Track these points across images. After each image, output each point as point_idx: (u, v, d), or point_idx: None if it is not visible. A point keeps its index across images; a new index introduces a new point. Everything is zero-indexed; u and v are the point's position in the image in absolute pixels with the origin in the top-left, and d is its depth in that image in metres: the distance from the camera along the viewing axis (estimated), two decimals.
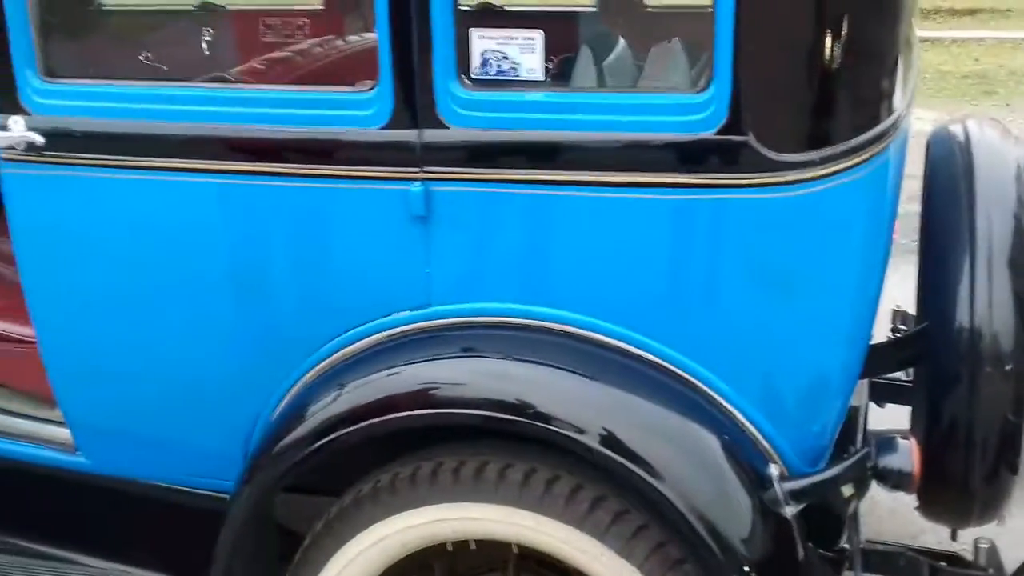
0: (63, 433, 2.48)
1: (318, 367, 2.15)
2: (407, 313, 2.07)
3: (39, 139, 2.11)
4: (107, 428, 2.39)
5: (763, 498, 1.93)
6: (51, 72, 2.12)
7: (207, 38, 3.47)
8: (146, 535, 2.55)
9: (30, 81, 2.11)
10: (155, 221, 2.14)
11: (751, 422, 1.99)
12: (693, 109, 1.81)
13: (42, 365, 2.38)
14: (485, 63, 1.92)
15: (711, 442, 1.94)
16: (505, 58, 1.91)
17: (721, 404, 1.98)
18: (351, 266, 2.07)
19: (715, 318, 1.95)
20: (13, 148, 2.14)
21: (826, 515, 2.07)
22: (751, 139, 1.78)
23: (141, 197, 2.12)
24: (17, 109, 2.13)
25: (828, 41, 1.77)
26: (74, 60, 2.26)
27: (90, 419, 2.40)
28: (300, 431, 2.09)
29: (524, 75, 1.90)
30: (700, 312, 1.96)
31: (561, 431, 1.91)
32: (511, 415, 1.94)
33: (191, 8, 3.65)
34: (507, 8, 3.43)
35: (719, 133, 1.80)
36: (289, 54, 2.64)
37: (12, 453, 2.56)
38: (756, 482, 1.93)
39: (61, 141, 2.12)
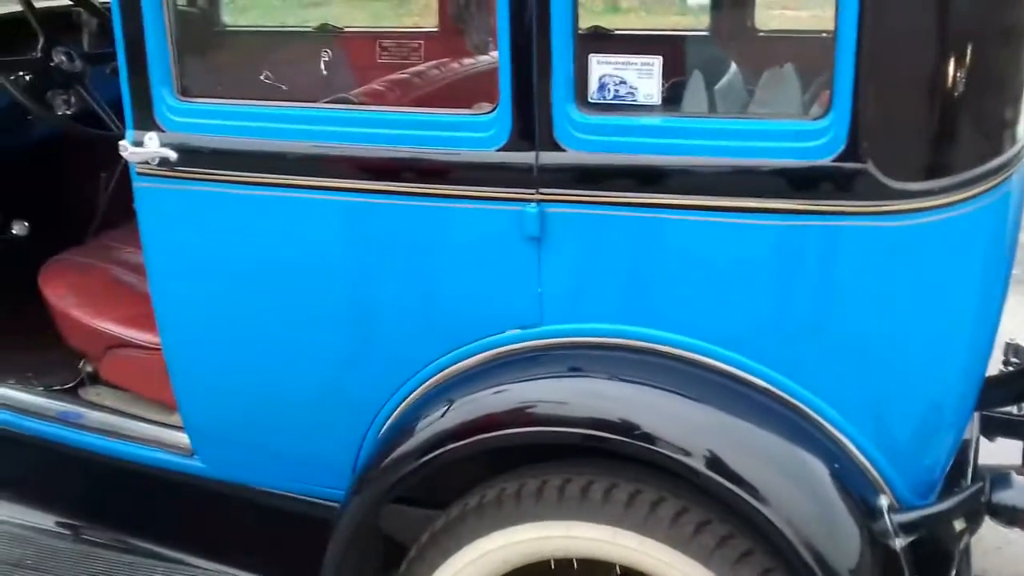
0: (182, 438, 2.59)
1: (428, 383, 2.21)
2: (517, 331, 2.11)
3: (172, 155, 2.21)
4: (223, 434, 2.48)
5: (872, 529, 1.90)
6: (185, 91, 2.23)
7: (325, 58, 3.58)
8: (256, 540, 2.64)
9: (165, 99, 2.21)
10: (278, 236, 2.22)
11: (862, 452, 1.96)
12: (810, 136, 1.81)
13: (166, 372, 2.49)
14: (602, 87, 1.95)
15: (820, 469, 1.93)
16: (623, 83, 1.94)
17: (831, 432, 1.96)
18: (464, 284, 2.12)
19: (826, 345, 1.94)
20: (147, 163, 2.25)
21: (935, 549, 2.03)
22: (870, 166, 1.77)
23: (266, 213, 2.21)
24: (152, 126, 2.24)
25: (951, 68, 1.75)
26: (206, 79, 2.36)
27: (208, 425, 2.50)
28: (409, 445, 2.14)
29: (641, 100, 1.92)
30: (811, 339, 1.95)
31: (667, 452, 1.91)
32: (616, 434, 1.96)
33: (311, 30, 3.78)
34: (619, 32, 3.46)
35: (836, 160, 1.79)
36: (407, 76, 2.71)
37: (133, 455, 2.67)
38: (865, 512, 1.91)
39: (192, 157, 2.22)
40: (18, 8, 3.12)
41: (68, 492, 2.95)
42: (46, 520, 2.92)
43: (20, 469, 3.01)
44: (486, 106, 2.04)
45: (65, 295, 2.79)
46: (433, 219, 2.09)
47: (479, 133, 2.00)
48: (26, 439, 2.87)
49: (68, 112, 3.14)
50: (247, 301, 2.29)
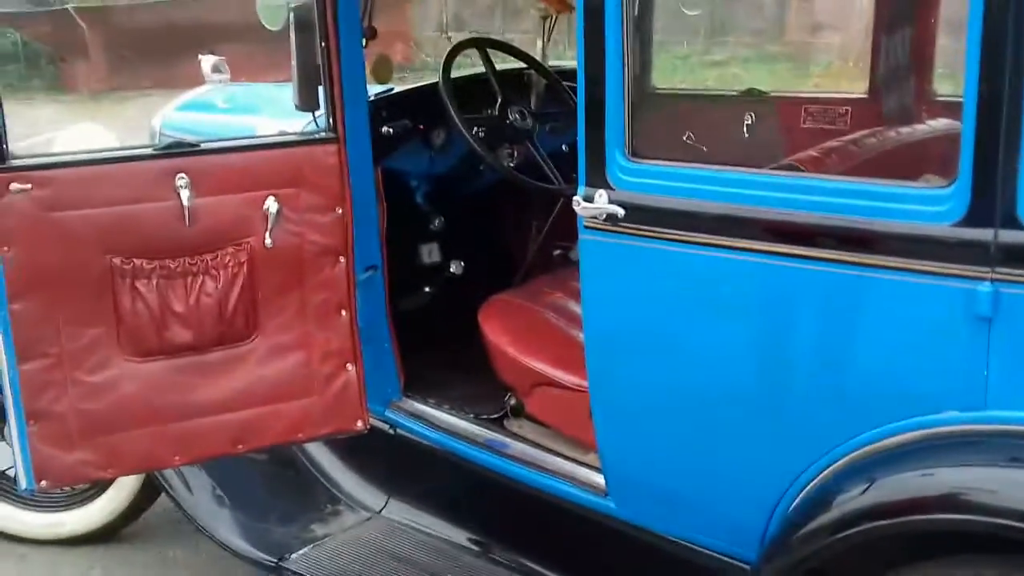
0: (596, 477, 2.73)
1: (850, 456, 2.17)
2: (955, 414, 2.03)
3: (620, 211, 2.36)
4: (638, 479, 2.59)
5: None
6: (636, 152, 2.37)
7: (748, 122, 3.64)
8: None
9: (617, 160, 2.37)
10: (714, 296, 2.30)
11: None
12: None
13: (588, 413, 2.64)
14: None
15: None
16: None
17: None
18: (900, 360, 2.07)
19: None
20: (595, 218, 2.41)
21: None
22: None
23: (704, 272, 2.30)
24: (603, 184, 2.40)
25: None
26: (651, 141, 2.50)
27: (624, 468, 2.62)
28: (825, 518, 2.12)
29: None
30: None
31: None
32: None
33: (736, 94, 3.87)
34: None
35: None
36: (843, 143, 2.70)
37: (549, 487, 2.85)
38: None
39: (637, 214, 2.36)
40: (482, 70, 3.48)
41: (483, 512, 3.20)
42: (459, 535, 3.19)
43: (441, 485, 3.32)
44: (937, 178, 2.00)
45: (501, 332, 3.05)
46: (876, 291, 2.07)
47: (934, 207, 1.96)
48: (451, 460, 3.16)
49: (512, 164, 3.45)
50: (677, 355, 2.38)
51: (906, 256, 2.02)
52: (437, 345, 3.48)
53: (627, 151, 2.37)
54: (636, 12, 2.34)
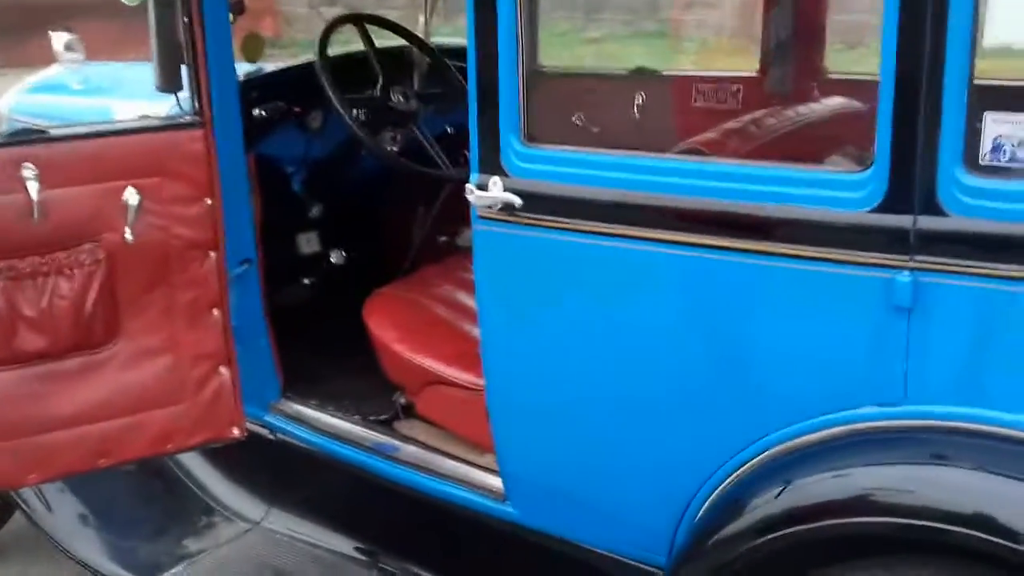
0: (494, 481, 2.57)
1: (764, 455, 2.07)
2: (874, 409, 1.93)
3: (517, 201, 2.20)
4: (539, 482, 2.44)
5: None
6: (531, 137, 2.21)
7: (639, 102, 3.53)
8: None
9: (512, 145, 2.20)
10: (616, 289, 2.16)
11: None
12: None
13: (483, 412, 2.48)
14: (997, 148, 1.76)
15: None
16: (1022, 144, 1.74)
17: None
18: (814, 353, 1.97)
19: None
20: (490, 207, 2.24)
21: None
22: None
23: (605, 264, 2.15)
24: (498, 171, 2.23)
25: None
26: (547, 125, 2.34)
27: (524, 471, 2.46)
28: (737, 525, 2.01)
29: None
30: None
31: None
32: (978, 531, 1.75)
33: (624, 73, 3.74)
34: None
35: None
36: (742, 124, 2.60)
37: (442, 493, 2.68)
38: None
39: (535, 203, 2.20)
40: (360, 48, 3.25)
41: (371, 519, 3.01)
42: (346, 544, 3.00)
43: (326, 492, 3.12)
44: (848, 162, 1.90)
45: (388, 328, 2.85)
46: (786, 281, 1.96)
47: (848, 192, 1.85)
48: (337, 464, 2.96)
49: (396, 149, 3.24)
50: (579, 352, 2.24)
51: (819, 245, 1.91)
52: (319, 341, 3.26)
53: (522, 136, 2.21)
54: None
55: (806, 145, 2.48)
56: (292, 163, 3.41)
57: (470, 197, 2.26)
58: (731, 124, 2.58)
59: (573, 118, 2.81)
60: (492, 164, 2.24)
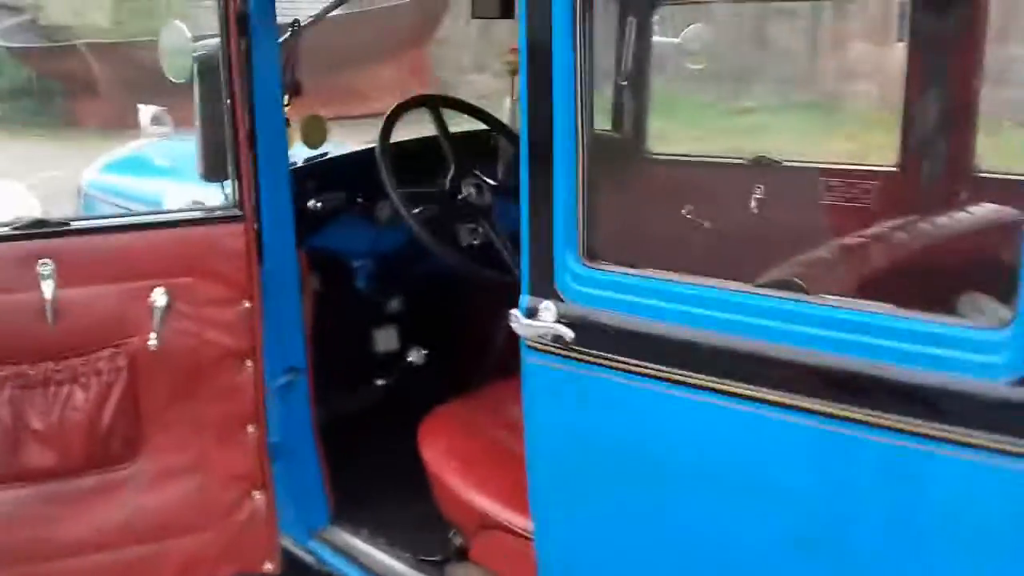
0: None
1: None
2: None
3: (569, 334, 1.82)
4: None
5: None
6: (591, 254, 1.83)
7: (758, 195, 3.11)
8: None
9: (567, 263, 1.83)
10: (685, 447, 1.74)
11: None
12: None
13: (534, 560, 2.08)
14: None
15: None
16: None
17: None
18: (947, 551, 1.51)
19: None
20: (540, 337, 1.87)
21: None
22: None
23: (673, 416, 1.74)
24: (550, 293, 1.86)
25: None
26: (612, 239, 1.96)
27: None
28: None
29: None
30: None
31: None
32: None
33: (744, 162, 3.33)
34: None
35: None
36: (864, 242, 2.13)
37: None
38: None
39: (592, 336, 1.81)
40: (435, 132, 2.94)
41: None
42: None
43: None
44: (981, 309, 1.45)
45: (443, 457, 2.48)
46: (907, 464, 1.51)
47: (981, 356, 1.40)
48: None
49: (475, 242, 2.89)
50: (636, 507, 1.83)
51: (946, 422, 1.46)
52: (382, 455, 2.92)
53: (580, 252, 1.83)
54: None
55: (937, 278, 1.99)
56: (357, 257, 3.09)
57: (514, 325, 1.89)
58: (852, 240, 2.12)
59: (645, 231, 2.41)
60: (543, 285, 1.87)
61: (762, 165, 3.26)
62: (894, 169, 3.05)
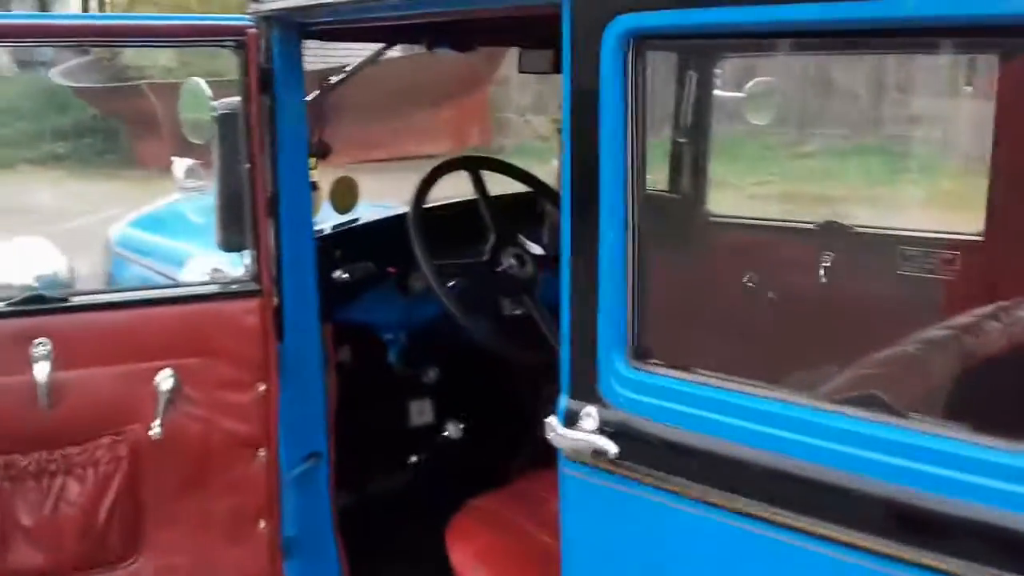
0: None
1: None
2: None
3: (612, 448, 1.56)
4: None
5: None
6: (641, 354, 1.58)
7: (826, 263, 2.85)
8: None
9: (614, 365, 1.58)
10: None
11: None
12: None
13: None
14: None
15: None
16: None
17: None
18: None
19: None
20: (580, 450, 1.63)
21: None
22: None
23: (729, 548, 1.48)
24: (592, 398, 1.62)
25: None
26: (666, 335, 1.71)
27: None
28: None
29: None
30: None
31: None
32: None
33: (812, 227, 3.06)
34: None
35: None
36: (945, 338, 1.83)
37: None
38: None
39: (640, 450, 1.56)
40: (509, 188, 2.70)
41: None
42: None
43: None
44: None
45: (473, 560, 2.23)
46: None
47: None
48: None
49: (517, 312, 2.63)
50: None
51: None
52: (412, 545, 2.67)
53: (629, 353, 1.58)
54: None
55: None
56: (389, 330, 2.86)
57: (550, 436, 1.64)
58: (939, 333, 1.84)
59: (701, 317, 2.16)
60: (585, 387, 1.62)
61: (832, 230, 3.00)
62: (979, 238, 2.76)
